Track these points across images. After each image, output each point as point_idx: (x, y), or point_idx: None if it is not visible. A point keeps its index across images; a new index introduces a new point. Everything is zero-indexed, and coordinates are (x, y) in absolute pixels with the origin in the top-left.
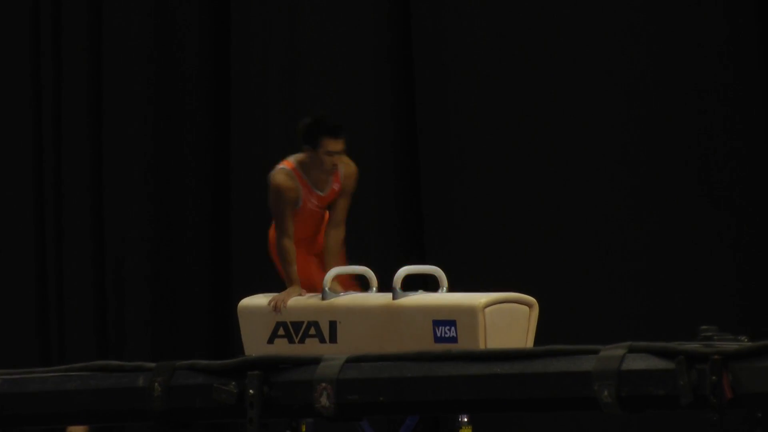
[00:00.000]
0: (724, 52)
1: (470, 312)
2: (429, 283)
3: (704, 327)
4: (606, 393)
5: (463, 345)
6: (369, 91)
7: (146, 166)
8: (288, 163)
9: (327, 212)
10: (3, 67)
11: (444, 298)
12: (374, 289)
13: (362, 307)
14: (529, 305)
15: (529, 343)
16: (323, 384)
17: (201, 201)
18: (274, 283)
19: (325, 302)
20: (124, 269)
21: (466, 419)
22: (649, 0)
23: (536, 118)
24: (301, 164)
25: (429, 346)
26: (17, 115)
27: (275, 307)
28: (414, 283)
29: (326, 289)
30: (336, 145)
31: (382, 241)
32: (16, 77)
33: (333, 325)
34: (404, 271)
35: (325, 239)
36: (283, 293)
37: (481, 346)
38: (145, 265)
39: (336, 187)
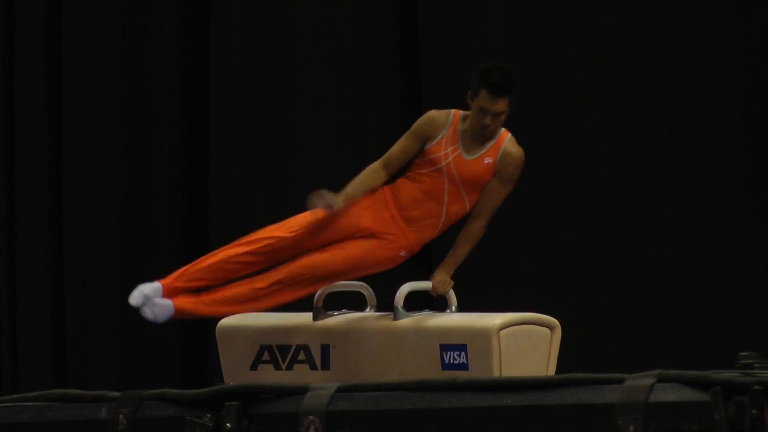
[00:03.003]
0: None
1: (483, 335)
2: (436, 302)
3: (744, 353)
4: (631, 428)
5: (475, 373)
6: (371, 89)
7: (112, 170)
8: (456, 111)
9: (463, 199)
10: None
11: (453, 319)
12: (372, 308)
13: (359, 329)
14: (550, 327)
15: (550, 370)
16: (311, 417)
17: (175, 208)
18: None
19: (317, 323)
20: (86, 284)
21: None
22: None
23: (553, 122)
24: (465, 116)
25: (436, 373)
26: None
27: (327, 206)
28: (418, 302)
29: (318, 307)
30: (492, 103)
31: None
32: None
33: (325, 349)
34: (407, 287)
35: (463, 228)
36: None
37: (496, 374)
38: (110, 279)
39: (488, 161)
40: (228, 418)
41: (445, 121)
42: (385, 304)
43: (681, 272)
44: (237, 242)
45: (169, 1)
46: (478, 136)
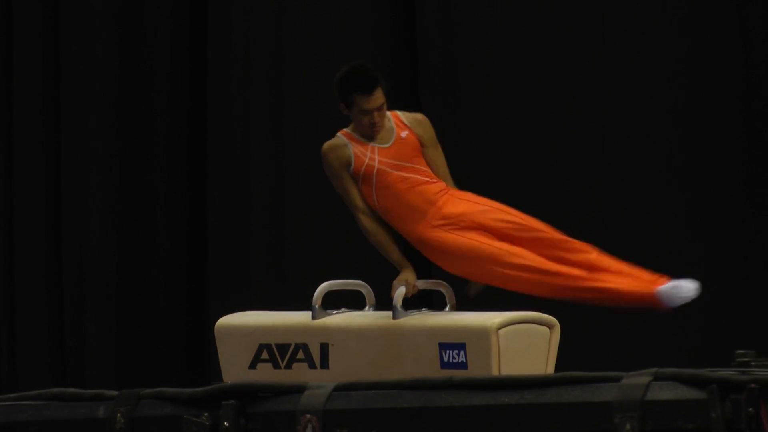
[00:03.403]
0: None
1: (482, 334)
2: (434, 301)
3: (740, 352)
4: (628, 427)
5: (473, 371)
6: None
7: (110, 168)
8: (341, 131)
9: (421, 170)
10: None
11: (452, 317)
12: (371, 307)
13: (358, 327)
14: (550, 326)
15: (549, 368)
16: (308, 415)
17: (173, 207)
18: (256, 298)
19: (316, 322)
20: (84, 283)
21: None
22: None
23: (551, 120)
24: (352, 129)
25: (434, 372)
26: None
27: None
28: (417, 301)
29: (316, 306)
30: (370, 101)
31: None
32: None
33: (324, 348)
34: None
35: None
36: (396, 280)
37: (495, 373)
38: (108, 278)
39: (405, 135)
40: (225, 416)
41: (340, 142)
42: (383, 303)
43: (678, 271)
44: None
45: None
46: (374, 135)
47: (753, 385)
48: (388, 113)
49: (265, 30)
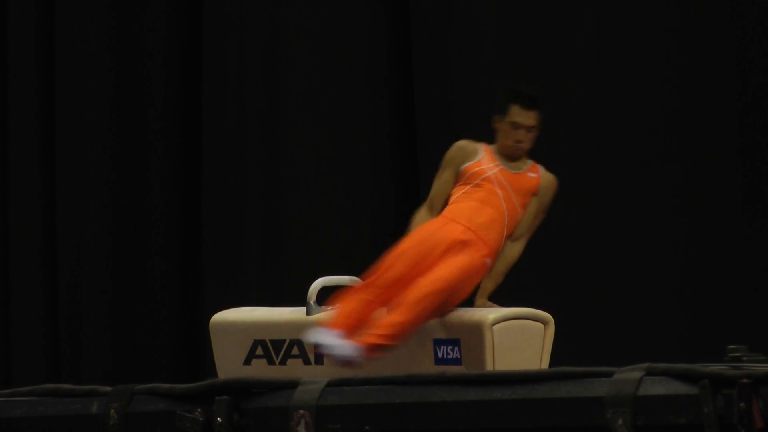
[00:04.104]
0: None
1: (476, 330)
2: None
3: (732, 347)
4: (620, 422)
5: (468, 367)
6: (364, 96)
7: (105, 163)
8: (485, 144)
9: (516, 204)
10: None
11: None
12: None
13: None
14: (544, 322)
15: (543, 364)
16: (301, 411)
17: (168, 202)
18: (251, 294)
19: (311, 318)
20: (78, 279)
21: None
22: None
23: (548, 121)
24: (494, 147)
25: (429, 368)
26: None
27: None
28: None
29: (311, 302)
30: (524, 117)
31: (376, 248)
32: None
33: None
34: None
35: (503, 250)
36: None
37: (489, 368)
38: (103, 273)
39: (533, 176)
40: (219, 412)
41: (476, 147)
42: None
43: (671, 268)
44: (359, 287)
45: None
46: (512, 156)
47: (745, 380)
48: (532, 161)
49: (260, 27)
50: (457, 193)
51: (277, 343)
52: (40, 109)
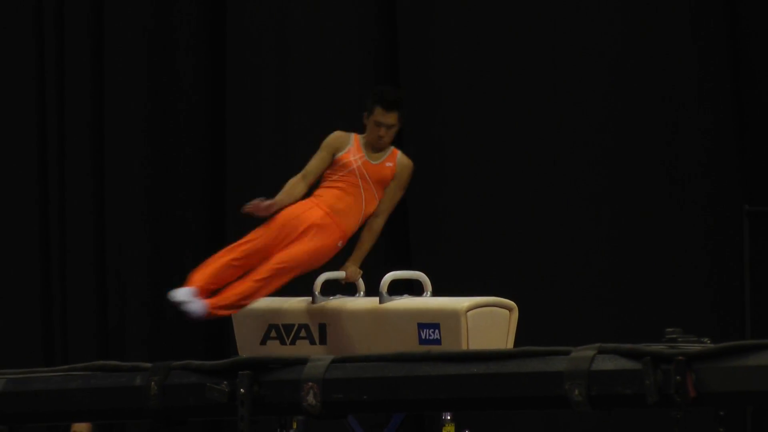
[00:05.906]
0: (694, 58)
1: (453, 315)
2: (414, 288)
3: (669, 329)
4: (577, 392)
5: (446, 346)
6: (355, 97)
7: (145, 174)
8: (356, 134)
9: (374, 195)
10: (5, 54)
11: (428, 302)
12: (362, 293)
13: (350, 310)
14: (510, 309)
15: (509, 344)
16: (310, 383)
17: (196, 208)
18: None
19: (315, 306)
20: (124, 277)
21: (449, 417)
22: (631, 10)
23: (519, 126)
24: (362, 137)
25: (414, 347)
26: (21, 121)
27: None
28: (400, 288)
29: (316, 293)
30: (386, 117)
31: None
32: (19, 80)
33: (322, 327)
34: (390, 276)
35: (365, 225)
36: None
37: (464, 348)
38: (144, 274)
39: (389, 165)
40: (241, 384)
41: (348, 138)
42: (372, 289)
43: (618, 260)
44: (225, 251)
45: (190, 11)
46: (375, 147)
47: (680, 358)
48: (393, 147)
49: (275, 34)
50: (328, 178)
51: (288, 327)
52: (91, 129)
